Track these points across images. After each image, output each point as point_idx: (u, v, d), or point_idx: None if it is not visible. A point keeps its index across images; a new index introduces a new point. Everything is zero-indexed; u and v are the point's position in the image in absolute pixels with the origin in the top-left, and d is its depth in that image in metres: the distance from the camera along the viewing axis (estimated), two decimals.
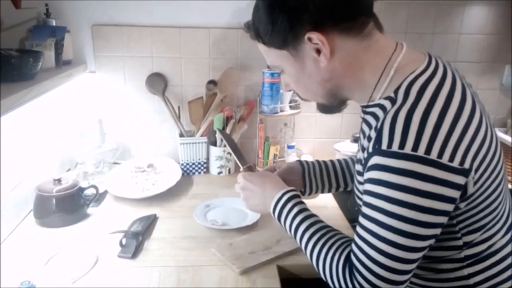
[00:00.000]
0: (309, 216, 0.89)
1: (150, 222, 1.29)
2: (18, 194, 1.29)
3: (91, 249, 1.15)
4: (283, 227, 0.93)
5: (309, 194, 1.16)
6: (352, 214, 1.42)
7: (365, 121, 0.83)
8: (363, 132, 0.85)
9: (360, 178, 0.85)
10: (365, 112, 0.83)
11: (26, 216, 1.33)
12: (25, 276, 1.00)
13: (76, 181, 1.35)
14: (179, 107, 1.69)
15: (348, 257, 0.78)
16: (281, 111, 1.67)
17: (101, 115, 1.62)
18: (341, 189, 1.16)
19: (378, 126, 0.73)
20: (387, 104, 0.75)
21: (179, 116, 1.68)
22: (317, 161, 1.17)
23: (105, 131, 1.64)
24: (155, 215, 1.35)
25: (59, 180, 1.31)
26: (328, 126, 1.80)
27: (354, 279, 0.76)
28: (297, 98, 1.68)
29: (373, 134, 0.74)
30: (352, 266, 0.76)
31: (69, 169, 1.65)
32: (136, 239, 1.17)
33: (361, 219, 0.76)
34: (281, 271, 1.11)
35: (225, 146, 1.55)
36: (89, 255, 1.12)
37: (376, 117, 0.78)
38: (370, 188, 0.73)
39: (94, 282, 1.03)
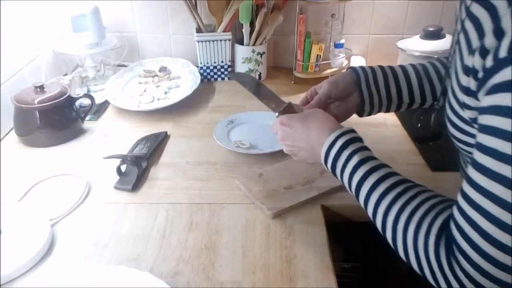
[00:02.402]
0: (376, 167, 0.60)
1: (158, 143, 1.02)
2: None
3: (81, 179, 0.90)
4: (341, 182, 0.65)
5: (369, 114, 0.83)
6: (417, 132, 1.09)
7: (470, 15, 0.52)
8: (466, 32, 0.53)
9: (465, 113, 0.55)
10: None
11: (10, 131, 1.08)
12: None
13: (64, 89, 1.06)
14: None
15: (442, 231, 0.51)
16: None
17: (96, 2, 1.26)
18: (415, 105, 0.82)
19: None
20: None
21: (196, 5, 1.31)
22: (380, 67, 0.81)
23: (104, 24, 1.30)
24: (166, 133, 1.07)
25: (41, 88, 1.02)
26: (389, 16, 1.39)
27: (449, 268, 0.49)
28: None
29: (491, 37, 0.46)
30: (449, 248, 0.50)
31: (65, 74, 1.36)
32: (139, 166, 0.90)
33: (468, 188, 0.47)
34: (326, 213, 0.83)
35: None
36: (77, 187, 0.87)
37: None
38: (493, 143, 0.44)
39: (79, 224, 0.79)
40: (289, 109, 0.75)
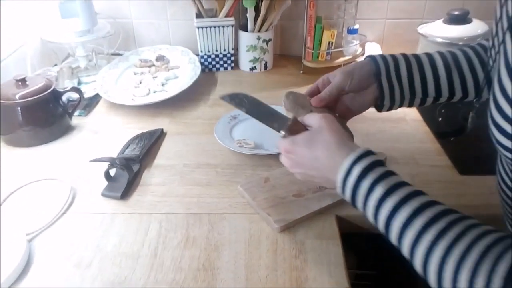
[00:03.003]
0: (407, 197, 0.49)
1: (153, 142, 0.91)
2: None
3: (65, 184, 0.80)
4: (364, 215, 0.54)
5: (389, 109, 0.72)
6: (439, 127, 0.98)
7: None
8: None
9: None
10: None
11: None
12: None
13: (49, 82, 0.95)
14: None
15: (509, 281, 0.39)
16: None
17: None
18: (442, 99, 0.71)
19: None
20: None
21: None
22: (403, 55, 0.70)
23: (95, 9, 1.19)
24: (162, 130, 0.96)
25: (23, 81, 0.91)
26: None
27: None
28: None
29: None
30: None
31: (55, 65, 1.26)
32: (129, 170, 0.80)
33: None
34: (341, 224, 0.73)
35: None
36: (61, 194, 0.78)
37: None
38: None
39: (60, 239, 0.69)
40: (295, 126, 0.63)
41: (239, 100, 0.68)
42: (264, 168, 0.85)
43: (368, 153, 0.53)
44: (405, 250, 0.48)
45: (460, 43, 1.08)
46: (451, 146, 0.92)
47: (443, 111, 1.06)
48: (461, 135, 1.00)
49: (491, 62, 0.59)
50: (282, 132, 0.63)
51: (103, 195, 0.78)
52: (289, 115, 0.66)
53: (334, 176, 0.55)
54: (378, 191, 0.50)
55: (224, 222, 0.72)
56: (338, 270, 0.63)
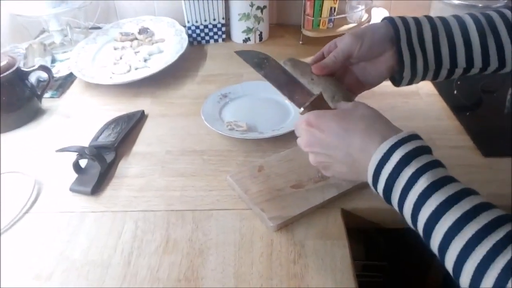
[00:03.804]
0: (457, 195, 0.39)
1: (131, 126, 0.80)
2: None
3: (29, 178, 0.69)
4: (399, 214, 0.44)
5: (409, 83, 0.60)
6: (454, 100, 0.86)
7: None
8: None
9: None
10: None
11: None
12: None
13: (12, 60, 0.83)
14: None
15: None
16: None
17: None
18: (474, 71, 0.58)
19: None
20: None
21: None
22: (428, 17, 0.58)
23: None
24: (142, 112, 0.85)
25: None
26: None
27: None
28: None
29: None
30: None
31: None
32: (101, 161, 0.69)
33: None
34: (348, 219, 0.62)
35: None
36: (24, 189, 0.67)
37: None
38: None
39: (19, 244, 0.59)
40: (319, 102, 0.52)
41: (258, 60, 0.57)
42: (258, 154, 0.74)
43: (413, 136, 0.43)
44: (449, 262, 0.38)
45: (480, 5, 0.95)
46: (472, 123, 0.80)
47: (459, 82, 0.94)
48: (478, 109, 0.88)
49: None
50: (302, 109, 0.52)
51: (71, 190, 0.67)
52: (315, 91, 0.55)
53: (365, 159, 0.45)
54: (422, 183, 0.40)
55: (210, 220, 0.62)
56: (346, 277, 0.53)
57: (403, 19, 0.57)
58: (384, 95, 0.86)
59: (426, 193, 0.39)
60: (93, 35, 1.10)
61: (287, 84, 0.56)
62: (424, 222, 0.39)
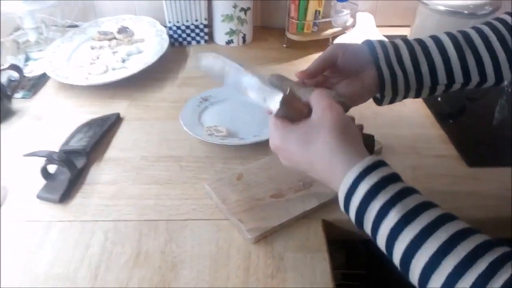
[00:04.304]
0: (432, 225, 0.37)
1: (105, 130, 0.77)
2: None
3: None
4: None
5: (391, 101, 0.59)
6: (437, 108, 0.85)
7: None
8: None
9: None
10: None
11: None
12: None
13: None
14: None
15: None
16: None
17: None
18: (456, 86, 0.57)
19: None
20: None
21: None
22: (402, 39, 0.57)
23: None
24: (118, 115, 0.81)
25: None
26: None
27: None
28: None
29: None
30: None
31: None
32: (71, 167, 0.65)
33: None
34: (329, 231, 0.60)
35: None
36: None
37: None
38: None
39: None
40: (291, 101, 0.48)
41: (214, 63, 0.53)
42: (238, 161, 0.71)
43: (377, 163, 0.40)
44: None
45: (466, 12, 0.94)
46: (456, 131, 0.79)
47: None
48: (462, 116, 0.87)
49: None
50: (275, 110, 0.48)
51: (38, 197, 0.64)
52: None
53: (336, 187, 0.42)
54: (393, 217, 0.37)
55: (185, 231, 0.59)
56: None
57: (381, 42, 0.56)
58: (368, 102, 0.84)
59: (398, 227, 0.37)
60: (70, 34, 1.06)
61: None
62: (399, 257, 0.37)
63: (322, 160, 0.43)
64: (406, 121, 0.82)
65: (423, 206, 0.38)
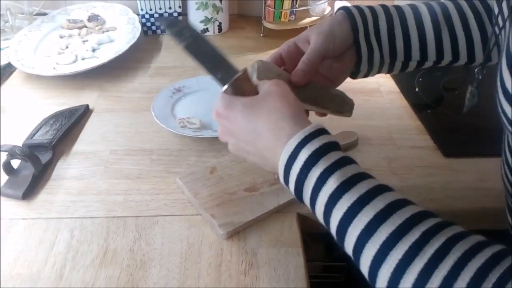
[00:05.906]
0: (370, 193, 0.36)
1: (73, 122, 0.73)
2: None
3: None
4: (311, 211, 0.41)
5: (365, 75, 0.58)
6: (415, 98, 0.84)
7: None
8: None
9: None
10: None
11: None
12: None
13: None
14: None
15: None
16: None
17: None
18: (427, 64, 0.57)
19: None
20: None
21: None
22: (383, 6, 0.55)
23: None
24: (87, 107, 0.78)
25: None
26: None
27: None
28: None
29: None
30: None
31: None
32: (35, 161, 0.62)
33: None
34: (304, 225, 0.59)
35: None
36: None
37: None
38: None
39: None
40: (243, 82, 0.47)
41: (178, 29, 0.49)
42: (211, 154, 0.69)
43: (318, 130, 0.40)
44: (364, 268, 0.35)
45: None
46: (433, 122, 0.79)
47: (420, 79, 0.92)
48: (440, 107, 0.87)
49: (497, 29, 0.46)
50: (224, 87, 0.47)
51: (0, 193, 0.60)
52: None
53: (275, 157, 0.41)
54: (332, 184, 0.37)
55: (155, 227, 0.56)
56: None
57: (360, 10, 0.54)
58: (345, 92, 0.83)
59: (336, 194, 0.36)
60: (38, 22, 1.02)
61: (210, 59, 0.49)
62: (336, 224, 0.37)
63: (268, 125, 0.42)
64: (383, 112, 0.81)
65: (361, 176, 0.37)
